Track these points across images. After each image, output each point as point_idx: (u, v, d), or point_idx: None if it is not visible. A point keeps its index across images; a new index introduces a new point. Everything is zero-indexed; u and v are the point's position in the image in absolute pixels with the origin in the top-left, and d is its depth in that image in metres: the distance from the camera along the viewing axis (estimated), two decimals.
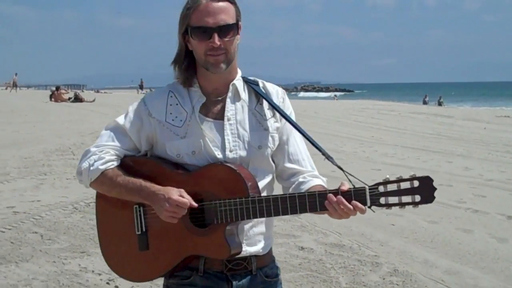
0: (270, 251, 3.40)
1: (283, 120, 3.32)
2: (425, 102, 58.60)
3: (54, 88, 56.58)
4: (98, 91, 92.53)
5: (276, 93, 3.38)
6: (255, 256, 3.26)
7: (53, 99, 50.73)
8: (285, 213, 3.02)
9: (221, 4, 3.13)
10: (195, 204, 3.02)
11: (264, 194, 3.19)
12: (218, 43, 3.09)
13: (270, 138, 3.27)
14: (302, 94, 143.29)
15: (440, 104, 55.72)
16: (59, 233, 9.20)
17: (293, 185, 3.31)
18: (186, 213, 3.04)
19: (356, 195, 2.94)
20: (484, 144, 20.24)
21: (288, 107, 3.38)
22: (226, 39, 3.12)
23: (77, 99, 50.82)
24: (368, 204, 2.93)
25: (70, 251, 8.30)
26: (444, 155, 17.66)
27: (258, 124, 3.27)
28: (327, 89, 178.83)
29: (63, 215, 10.34)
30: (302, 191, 3.19)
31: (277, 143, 3.31)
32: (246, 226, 3.20)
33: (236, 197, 3.03)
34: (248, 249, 3.20)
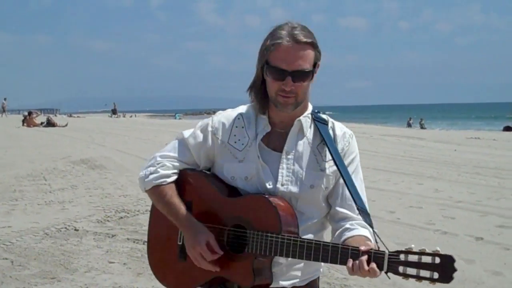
0: (312, 283, 3.43)
1: (346, 163, 3.30)
2: (409, 125, 58.44)
3: (26, 113, 56.41)
4: (71, 115, 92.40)
5: (343, 136, 3.36)
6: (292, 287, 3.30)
7: (25, 124, 50.65)
8: (308, 258, 3.03)
9: (303, 47, 3.13)
10: (220, 252, 3.14)
11: (307, 234, 3.21)
12: (289, 88, 3.11)
13: (324, 180, 3.27)
14: None
15: (422, 126, 55.62)
16: (29, 259, 9.12)
17: (339, 230, 3.29)
18: (224, 235, 3.19)
19: (375, 257, 2.89)
20: (454, 165, 20.38)
21: (352, 151, 3.37)
22: (298, 84, 3.12)
23: (50, 123, 50.75)
24: (385, 269, 2.88)
25: (40, 277, 8.23)
26: (415, 177, 17.75)
27: (316, 163, 3.27)
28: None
29: (34, 241, 10.25)
30: (344, 237, 3.21)
31: (331, 185, 3.31)
32: (282, 260, 3.21)
33: (268, 231, 3.07)
34: (282, 283, 3.26)
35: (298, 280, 3.31)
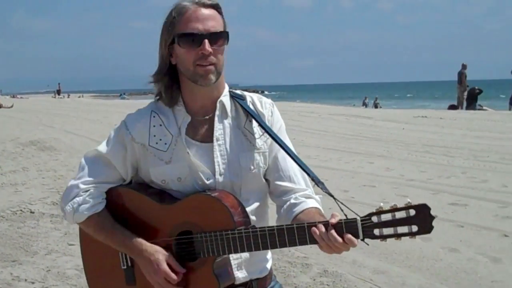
0: (271, 270, 3.32)
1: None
2: (364, 104, 58.04)
3: None
4: (14, 96, 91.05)
5: (264, 107, 3.19)
6: (256, 280, 3.16)
7: None
8: (274, 246, 2.85)
9: (210, 10, 2.99)
10: (183, 270, 2.95)
11: (254, 218, 3.07)
12: (209, 49, 2.92)
13: (262, 157, 3.12)
14: None
15: (376, 106, 55.42)
16: None
17: (285, 206, 3.12)
18: (171, 247, 2.98)
19: (347, 227, 2.72)
20: (404, 144, 20.54)
21: (277, 120, 3.23)
22: (216, 47, 2.96)
23: None
24: (361, 237, 2.72)
25: (1, 260, 8.21)
26: (366, 156, 17.86)
27: (248, 143, 3.10)
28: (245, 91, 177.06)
29: None
30: (293, 214, 3.03)
31: (268, 161, 3.16)
32: (237, 255, 3.04)
33: (222, 230, 2.88)
34: (245, 275, 3.09)
35: (261, 268, 3.22)
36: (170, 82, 3.08)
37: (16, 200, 11.90)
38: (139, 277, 3.08)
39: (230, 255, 3.00)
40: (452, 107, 40.14)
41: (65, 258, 8.31)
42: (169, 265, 2.93)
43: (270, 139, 3.14)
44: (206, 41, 2.93)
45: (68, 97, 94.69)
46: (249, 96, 3.23)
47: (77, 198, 3.03)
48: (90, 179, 3.07)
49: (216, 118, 3.08)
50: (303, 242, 2.81)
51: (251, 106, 3.17)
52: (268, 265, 3.27)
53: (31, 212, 10.96)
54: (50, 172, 15.25)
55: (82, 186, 3.05)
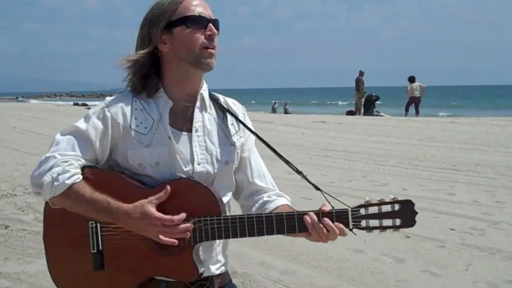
0: (227, 270, 3.31)
1: (246, 136, 3.22)
2: (274, 110, 57.52)
3: None
4: None
5: (238, 108, 3.29)
6: (216, 276, 3.15)
7: None
8: (260, 233, 2.89)
9: (204, 1, 3.06)
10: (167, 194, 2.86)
11: (237, 214, 3.03)
12: (215, 34, 2.99)
13: (235, 154, 3.16)
14: None
15: (286, 111, 55.08)
16: None
17: (257, 204, 3.21)
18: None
19: (338, 217, 2.85)
20: (304, 148, 20.74)
21: (248, 122, 3.29)
22: (216, 35, 3.03)
23: None
24: (350, 226, 2.86)
25: None
26: (268, 159, 17.73)
27: (225, 138, 3.15)
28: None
29: None
30: (268, 210, 3.12)
31: (240, 160, 3.22)
32: (211, 246, 3.08)
33: (206, 215, 2.88)
34: (211, 268, 3.10)
35: (221, 264, 3.21)
36: (148, 71, 3.06)
37: None
38: (109, 262, 3.01)
39: (200, 248, 3.01)
40: (350, 113, 40.71)
41: None
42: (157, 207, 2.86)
43: (243, 138, 3.22)
44: (211, 24, 3.00)
45: None
46: (222, 97, 3.28)
47: (56, 168, 2.88)
48: (67, 153, 2.95)
49: (196, 109, 3.11)
50: (291, 230, 2.89)
51: (225, 105, 3.23)
52: (226, 265, 3.29)
53: None
54: None
55: (59, 157, 2.92)
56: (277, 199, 3.22)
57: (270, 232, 2.89)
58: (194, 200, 2.90)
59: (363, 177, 14.94)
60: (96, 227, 3.00)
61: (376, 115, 37.78)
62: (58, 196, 2.91)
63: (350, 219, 2.86)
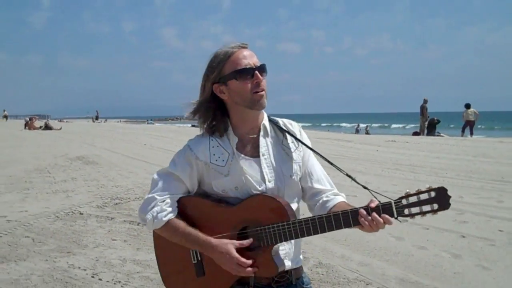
0: (301, 264, 3.26)
1: (303, 149, 3.20)
2: (357, 131, 56.88)
3: (28, 119, 56.08)
4: (61, 121, 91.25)
5: (293, 127, 3.26)
6: (294, 269, 3.15)
7: (27, 128, 50.21)
8: (323, 231, 2.90)
9: (249, 50, 3.06)
10: (248, 243, 2.95)
11: (303, 217, 3.02)
12: (262, 80, 2.99)
13: (297, 167, 3.16)
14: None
15: (367, 132, 54.55)
16: (47, 237, 9.13)
17: (318, 204, 3.18)
18: (234, 240, 2.97)
19: (384, 209, 2.82)
20: (378, 163, 20.52)
21: (305, 137, 3.26)
22: (264, 78, 3.02)
23: (47, 127, 50.39)
24: (395, 215, 2.82)
25: (58, 252, 8.26)
26: (347, 171, 17.81)
27: (286, 156, 3.15)
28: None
29: (48, 222, 10.25)
30: (328, 208, 3.11)
31: (302, 170, 3.21)
32: (287, 246, 3.08)
33: (279, 222, 2.91)
34: (289, 264, 3.08)
35: (296, 260, 3.18)
36: (220, 117, 3.11)
37: (68, 204, 11.96)
38: (208, 269, 3.09)
39: (280, 248, 3.03)
40: (415, 134, 40.19)
41: (110, 251, 8.36)
42: (237, 249, 2.95)
43: (302, 152, 3.20)
44: (257, 72, 2.99)
45: (105, 121, 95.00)
46: (281, 120, 3.26)
47: (156, 208, 3.04)
48: (164, 192, 3.09)
49: (260, 138, 3.12)
50: (347, 225, 2.87)
51: (284, 127, 3.22)
52: (300, 260, 3.26)
53: (80, 213, 11.01)
54: (94, 182, 15.27)
55: (158, 197, 3.06)
56: (334, 198, 3.18)
57: (331, 229, 2.89)
58: (267, 210, 2.94)
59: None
60: None
61: (437, 136, 37.14)
62: (158, 229, 3.08)
63: (394, 210, 2.80)
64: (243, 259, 2.93)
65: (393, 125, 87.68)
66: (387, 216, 2.80)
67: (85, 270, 7.41)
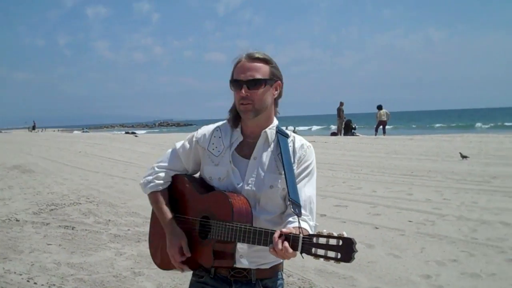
0: (274, 268, 3.15)
1: (300, 169, 3.09)
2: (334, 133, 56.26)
3: None
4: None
5: (301, 147, 3.14)
6: (256, 269, 3.08)
7: None
8: (248, 242, 2.80)
9: (255, 63, 3.03)
10: (188, 255, 3.08)
11: (270, 224, 2.97)
12: (245, 94, 2.98)
13: (281, 181, 3.02)
14: (157, 130, 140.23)
15: (295, 133, 53.91)
16: None
17: (284, 222, 2.99)
18: (196, 225, 3.09)
19: (292, 239, 2.62)
20: None
21: (307, 160, 3.13)
22: (253, 91, 2.99)
23: None
24: (299, 250, 2.61)
25: None
26: None
27: (276, 168, 3.05)
28: (178, 125, 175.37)
29: None
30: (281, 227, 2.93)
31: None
32: (246, 246, 2.98)
33: (223, 220, 2.90)
34: (245, 263, 3.03)
35: (262, 262, 3.09)
36: (236, 111, 3.15)
37: (5, 211, 11.55)
38: None
39: (238, 245, 2.97)
40: (333, 134, 40.82)
41: (45, 255, 8.11)
42: (181, 248, 3.10)
43: (297, 172, 3.09)
44: (245, 86, 3.00)
45: (42, 131, 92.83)
46: (293, 136, 3.19)
47: (149, 177, 3.29)
48: (164, 164, 3.30)
49: (258, 143, 3.11)
50: (261, 243, 2.75)
51: (290, 144, 3.14)
52: (270, 264, 3.14)
53: (16, 220, 10.67)
54: (30, 189, 14.83)
55: (156, 169, 3.29)
56: (295, 222, 2.88)
57: (253, 242, 2.79)
58: (221, 207, 2.95)
59: (343, 182, 14.90)
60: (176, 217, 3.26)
61: (353, 135, 37.76)
62: (147, 195, 3.33)
63: (300, 244, 2.61)
64: (178, 257, 3.10)
65: (314, 127, 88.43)
66: (286, 245, 2.63)
67: (20, 275, 7.17)
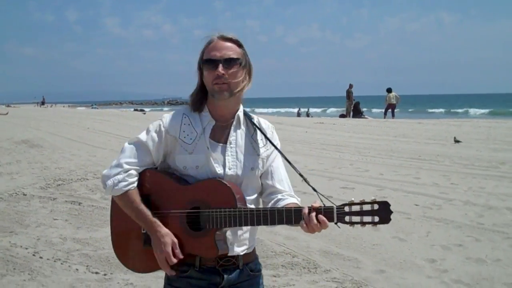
0: (254, 250, 3.21)
1: (271, 149, 3.14)
2: (298, 114, 56.49)
3: None
4: (9, 106, 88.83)
5: (267, 127, 3.20)
6: (242, 255, 3.06)
7: None
8: (265, 223, 2.82)
9: (228, 43, 3.01)
10: (180, 257, 2.92)
11: (253, 206, 3.04)
12: (222, 72, 2.92)
13: (260, 162, 3.09)
14: (166, 108, 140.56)
15: (308, 115, 54.19)
16: None
17: (272, 201, 3.09)
18: (184, 218, 2.93)
19: (325, 212, 2.72)
20: (307, 143, 20.69)
21: (275, 138, 3.21)
22: (230, 71, 2.94)
23: None
24: (335, 220, 2.72)
25: (1, 232, 8.04)
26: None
27: (253, 149, 3.09)
28: (186, 103, 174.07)
29: None
30: (279, 206, 3.00)
31: (265, 166, 3.13)
32: (236, 231, 3.00)
33: (225, 207, 2.84)
34: (236, 249, 3.01)
35: (247, 246, 3.10)
36: (200, 94, 3.08)
37: (12, 186, 11.63)
38: None
39: (227, 233, 2.97)
40: (342, 116, 40.68)
41: (51, 230, 8.19)
42: (173, 250, 2.93)
43: (269, 151, 3.15)
44: (221, 65, 2.94)
45: (51, 106, 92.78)
46: (256, 117, 3.23)
47: (119, 176, 3.00)
48: (131, 160, 3.04)
49: (232, 127, 3.08)
50: (289, 221, 2.80)
51: (257, 125, 3.17)
52: (252, 247, 3.18)
53: (23, 194, 10.74)
54: (38, 164, 14.89)
55: (125, 166, 3.02)
56: (288, 198, 3.08)
57: (273, 222, 2.82)
58: (217, 194, 2.89)
59: (350, 165, 14.88)
60: None
61: (362, 118, 37.65)
62: (115, 197, 3.05)
63: (335, 215, 2.71)
64: (172, 259, 2.92)
65: (332, 109, 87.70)
66: (324, 218, 2.72)
67: (26, 248, 7.23)
